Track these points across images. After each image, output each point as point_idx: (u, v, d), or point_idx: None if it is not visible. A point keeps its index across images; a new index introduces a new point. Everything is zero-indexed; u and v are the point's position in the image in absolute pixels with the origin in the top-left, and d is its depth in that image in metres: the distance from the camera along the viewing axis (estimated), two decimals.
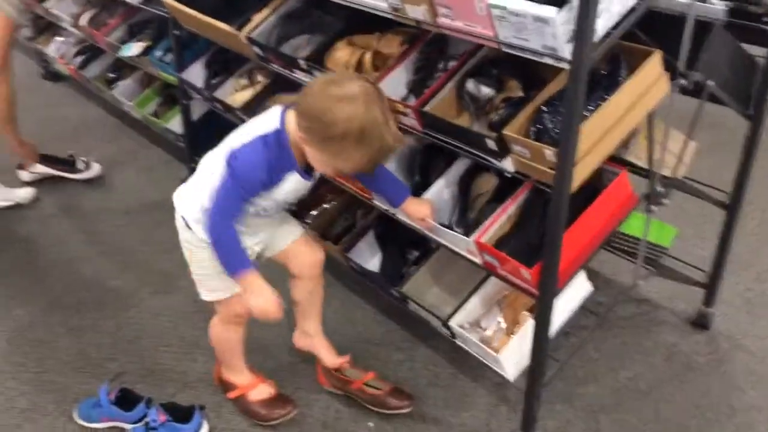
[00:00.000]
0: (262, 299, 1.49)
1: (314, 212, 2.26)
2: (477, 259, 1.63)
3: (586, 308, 1.95)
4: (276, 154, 1.43)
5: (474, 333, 1.78)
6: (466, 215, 1.78)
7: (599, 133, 1.41)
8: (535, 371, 1.58)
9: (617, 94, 1.41)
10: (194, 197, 1.54)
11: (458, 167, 1.83)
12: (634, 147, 1.72)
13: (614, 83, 1.46)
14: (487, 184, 1.83)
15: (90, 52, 3.54)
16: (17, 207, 2.65)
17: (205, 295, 1.64)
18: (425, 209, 1.66)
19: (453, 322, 1.75)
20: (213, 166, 1.50)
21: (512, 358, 1.65)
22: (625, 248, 1.97)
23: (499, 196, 1.73)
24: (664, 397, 1.81)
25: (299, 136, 1.39)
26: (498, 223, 1.64)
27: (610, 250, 2.03)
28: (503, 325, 1.76)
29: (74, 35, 3.58)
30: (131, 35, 3.14)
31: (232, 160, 1.43)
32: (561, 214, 1.39)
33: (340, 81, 1.38)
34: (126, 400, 1.69)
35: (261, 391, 1.77)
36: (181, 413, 1.66)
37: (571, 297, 1.72)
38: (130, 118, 3.27)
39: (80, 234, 2.52)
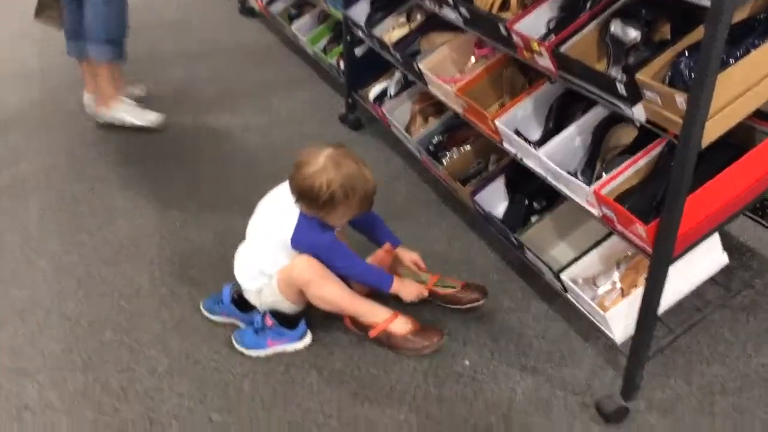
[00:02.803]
0: (409, 292, 1.82)
1: (450, 153, 2.27)
2: (595, 211, 1.55)
3: (729, 287, 1.79)
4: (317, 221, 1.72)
5: (587, 289, 1.70)
6: (594, 166, 1.69)
7: (743, 84, 1.26)
8: (640, 336, 1.48)
9: None
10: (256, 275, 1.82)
11: (594, 115, 1.73)
12: None
13: None
14: (625, 136, 1.72)
15: None
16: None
17: (288, 304, 1.80)
18: (414, 255, 1.92)
19: (565, 275, 1.69)
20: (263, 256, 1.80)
21: (621, 319, 1.56)
22: None
23: (635, 151, 1.62)
24: None
25: (309, 215, 1.69)
26: (624, 175, 1.54)
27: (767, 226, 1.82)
28: (619, 285, 1.66)
29: None
30: None
31: (300, 244, 1.71)
32: (686, 170, 1.27)
33: (307, 160, 1.65)
34: (244, 302, 1.85)
35: (402, 324, 1.78)
36: (288, 320, 1.78)
37: (699, 266, 1.57)
38: (306, 53, 3.45)
39: (244, 152, 2.74)
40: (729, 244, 2.00)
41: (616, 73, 1.55)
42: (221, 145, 2.81)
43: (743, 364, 1.70)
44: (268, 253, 1.77)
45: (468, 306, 1.87)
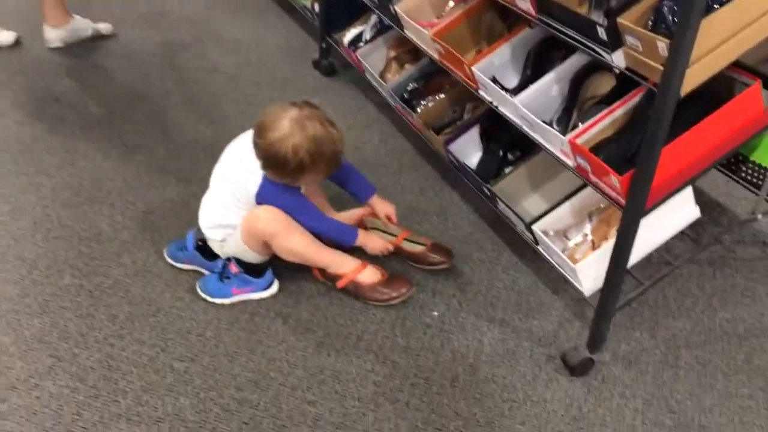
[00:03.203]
0: (376, 246, 1.78)
1: (425, 101, 2.21)
2: (569, 162, 1.52)
3: (699, 242, 1.78)
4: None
5: (558, 242, 1.68)
6: (571, 115, 1.65)
7: (727, 30, 1.22)
8: (608, 289, 1.47)
9: None
10: (218, 226, 1.76)
11: (573, 63, 1.68)
12: None
13: None
14: (603, 86, 1.68)
15: None
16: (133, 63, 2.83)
17: (253, 255, 1.73)
18: (389, 208, 1.86)
19: (537, 227, 1.66)
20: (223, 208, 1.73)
21: (591, 271, 1.55)
22: (755, 180, 1.74)
23: (614, 101, 1.58)
24: (762, 346, 1.63)
25: (277, 181, 1.62)
26: (600, 125, 1.50)
27: (740, 181, 1.80)
28: (590, 238, 1.64)
29: None
30: None
31: (264, 202, 1.65)
32: (664, 119, 1.23)
33: (271, 124, 1.55)
34: (209, 249, 1.79)
35: (370, 274, 1.76)
36: (254, 269, 1.74)
37: (670, 219, 1.56)
38: None
39: (211, 95, 2.64)
40: (700, 200, 1.99)
41: (597, 17, 1.49)
42: (188, 86, 2.70)
43: (708, 318, 1.71)
44: (231, 206, 1.70)
45: (431, 267, 1.84)
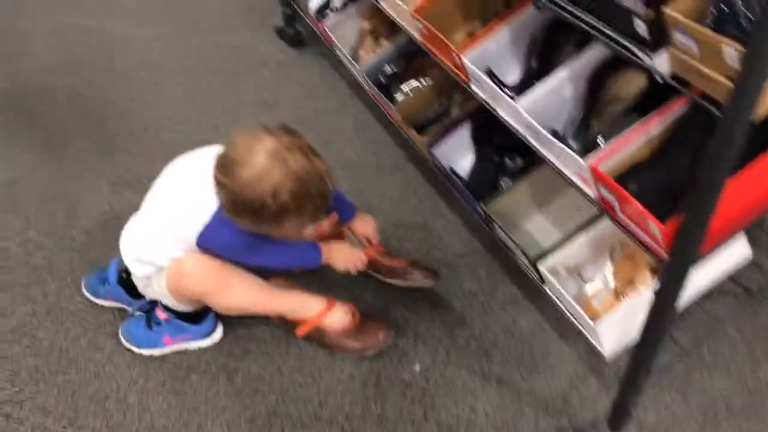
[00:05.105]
0: (344, 260, 1.44)
1: (405, 87, 1.84)
2: (590, 191, 1.17)
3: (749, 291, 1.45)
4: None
5: (570, 282, 1.35)
6: (590, 125, 1.29)
7: None
8: (641, 357, 1.14)
9: None
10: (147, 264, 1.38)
11: (592, 56, 1.31)
12: None
13: None
14: (630, 85, 1.31)
15: None
16: None
17: (182, 306, 1.41)
18: (369, 227, 1.54)
19: (544, 265, 1.32)
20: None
21: (614, 329, 1.22)
22: None
23: (644, 107, 1.22)
24: None
25: (250, 230, 1.24)
26: (632, 144, 1.15)
27: None
28: (611, 283, 1.31)
29: None
30: None
31: (206, 245, 1.28)
32: (728, 150, 0.88)
33: (241, 158, 1.17)
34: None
35: (338, 317, 1.42)
36: (189, 314, 1.39)
37: (715, 264, 1.22)
38: None
39: (150, 69, 2.25)
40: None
41: (633, 3, 1.12)
42: (118, 61, 2.29)
43: (751, 372, 1.39)
44: (161, 243, 1.32)
45: (413, 284, 1.49)
